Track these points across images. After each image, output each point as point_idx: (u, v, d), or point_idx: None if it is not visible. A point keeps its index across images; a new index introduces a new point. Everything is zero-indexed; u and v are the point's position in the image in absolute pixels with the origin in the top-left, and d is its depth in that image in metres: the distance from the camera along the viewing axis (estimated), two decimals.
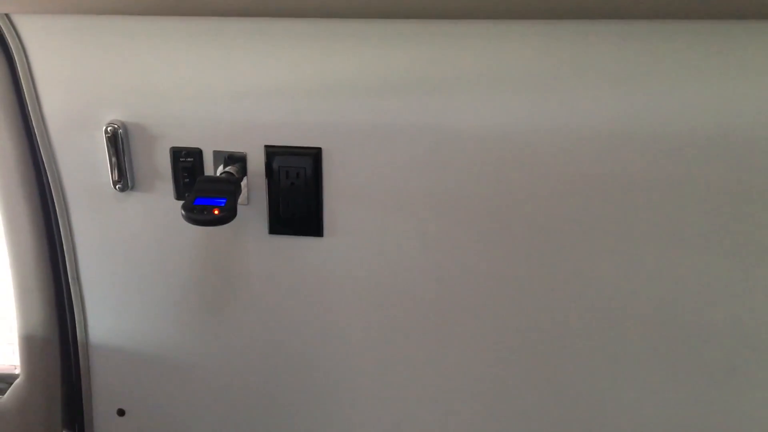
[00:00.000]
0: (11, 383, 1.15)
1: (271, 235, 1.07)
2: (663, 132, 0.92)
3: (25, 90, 1.00)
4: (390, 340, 1.13)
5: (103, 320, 1.19)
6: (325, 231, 1.06)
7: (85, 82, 0.99)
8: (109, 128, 1.01)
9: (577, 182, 0.97)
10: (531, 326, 1.08)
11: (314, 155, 1.00)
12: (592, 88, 0.90)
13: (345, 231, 1.05)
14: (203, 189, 0.96)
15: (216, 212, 0.91)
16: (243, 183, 1.03)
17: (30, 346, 1.16)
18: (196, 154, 1.02)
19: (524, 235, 1.01)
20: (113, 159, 1.03)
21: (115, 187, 1.05)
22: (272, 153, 1.01)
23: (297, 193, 1.03)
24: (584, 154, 0.94)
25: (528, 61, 0.90)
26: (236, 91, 0.97)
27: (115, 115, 1.01)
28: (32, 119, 1.02)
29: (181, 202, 0.97)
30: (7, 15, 0.94)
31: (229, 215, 0.92)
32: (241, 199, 1.04)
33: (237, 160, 1.02)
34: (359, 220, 1.04)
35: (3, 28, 0.95)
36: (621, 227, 0.99)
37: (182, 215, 0.92)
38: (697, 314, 1.03)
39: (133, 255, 1.12)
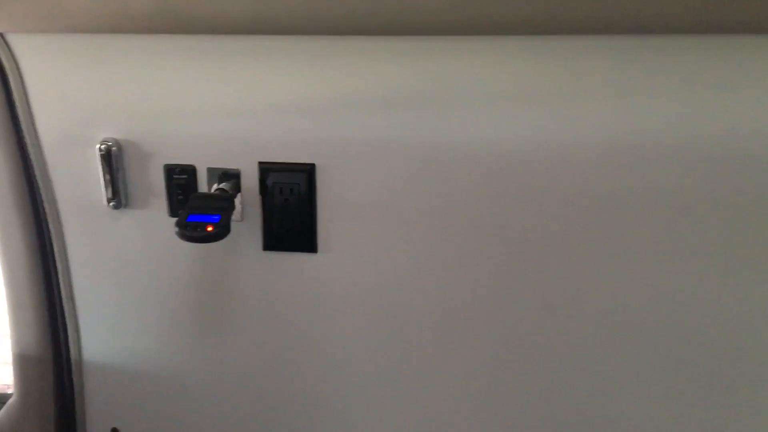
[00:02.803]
0: (5, 402, 1.15)
1: (266, 252, 1.07)
2: (657, 145, 0.92)
3: (19, 108, 1.01)
4: (385, 355, 1.12)
5: (97, 338, 1.18)
6: (320, 247, 1.06)
7: (79, 100, 0.99)
8: (102, 146, 1.01)
9: (572, 196, 0.97)
10: (528, 341, 1.07)
11: (308, 171, 1.00)
12: (586, 103, 0.90)
13: (339, 247, 1.05)
14: (197, 206, 0.96)
15: (209, 229, 0.91)
16: (237, 199, 1.03)
17: (23, 365, 1.15)
18: (190, 171, 1.03)
19: (519, 249, 1.01)
20: (107, 176, 1.03)
21: (108, 205, 1.05)
22: (266, 169, 1.01)
23: (291, 209, 1.03)
24: (579, 168, 0.94)
25: (521, 77, 0.90)
26: (230, 107, 0.97)
27: (109, 132, 1.01)
28: (26, 137, 1.02)
29: (175, 219, 0.97)
30: (1, 35, 0.95)
31: (222, 232, 0.92)
32: (236, 215, 1.04)
33: (231, 176, 1.02)
34: (354, 236, 1.04)
35: None
36: (617, 240, 0.99)
37: (176, 232, 0.92)
38: (696, 325, 1.02)
39: (127, 272, 1.11)
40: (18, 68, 0.98)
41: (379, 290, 1.07)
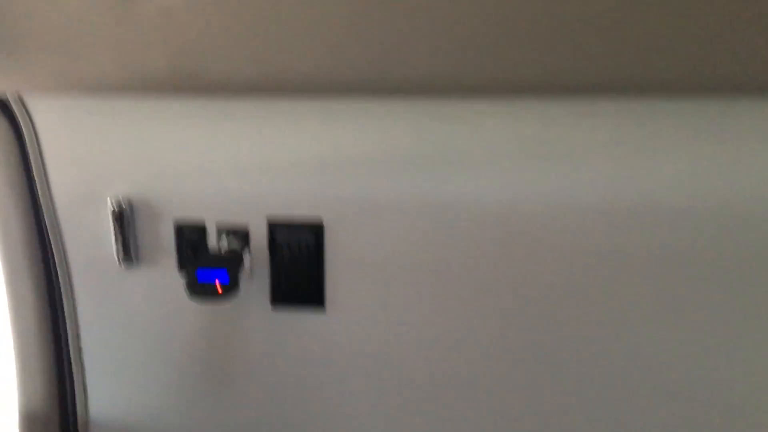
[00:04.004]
0: None
1: (274, 308, 1.07)
2: (660, 205, 0.93)
3: (33, 166, 1.03)
4: (392, 413, 1.11)
5: (105, 396, 1.18)
6: (328, 304, 1.06)
7: (93, 159, 1.01)
8: (114, 203, 1.02)
9: (576, 255, 0.97)
10: (537, 400, 1.06)
11: (316, 228, 1.01)
12: (590, 164, 0.92)
13: (347, 304, 1.05)
14: (207, 264, 0.97)
15: (219, 289, 0.92)
16: (245, 255, 1.04)
17: (31, 424, 1.14)
18: (200, 227, 1.04)
19: (525, 307, 1.01)
20: (118, 234, 1.04)
21: (119, 262, 1.06)
22: (274, 226, 1.02)
23: (299, 266, 1.04)
24: (582, 228, 0.95)
25: (526, 138, 0.91)
26: (239, 166, 0.99)
27: (121, 190, 1.03)
28: (40, 195, 1.04)
29: (184, 277, 0.98)
30: (20, 96, 0.97)
31: (232, 291, 0.94)
32: (244, 271, 1.04)
33: (240, 233, 1.03)
34: (361, 294, 1.04)
35: (15, 109, 0.98)
36: (621, 299, 0.99)
37: (186, 291, 0.93)
38: (697, 383, 1.02)
39: (136, 330, 1.12)
40: (34, 128, 1.00)
41: (386, 347, 1.07)
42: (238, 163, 0.99)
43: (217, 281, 0.94)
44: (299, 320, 1.08)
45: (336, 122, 0.94)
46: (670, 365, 1.01)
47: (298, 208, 1.00)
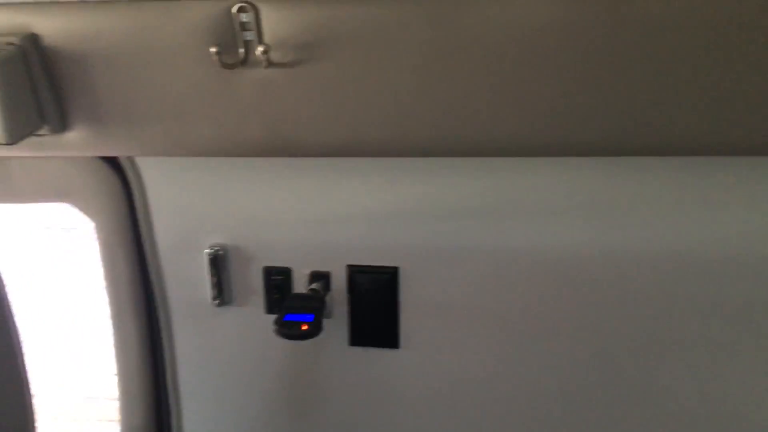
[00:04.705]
0: None
1: (352, 347, 1.15)
2: (710, 256, 0.98)
3: (141, 217, 1.13)
4: None
5: (199, 428, 1.26)
6: (401, 343, 1.12)
7: (193, 212, 1.11)
8: (211, 251, 1.12)
9: (647, 301, 1.02)
10: None
11: (392, 274, 1.09)
12: (642, 216, 0.97)
13: (419, 344, 1.12)
14: (293, 306, 1.05)
15: (304, 328, 1.00)
16: (326, 298, 1.12)
17: None
18: (286, 272, 1.12)
19: (596, 352, 1.06)
20: (213, 278, 1.13)
21: (213, 303, 1.15)
22: (354, 272, 1.10)
23: (375, 308, 1.11)
24: (645, 275, 1.00)
25: (581, 191, 0.98)
26: (322, 217, 1.07)
27: (217, 239, 1.12)
28: (146, 244, 1.15)
29: (271, 317, 1.06)
30: (130, 157, 1.09)
31: (316, 330, 1.01)
32: (325, 312, 1.12)
33: (322, 277, 1.12)
34: (433, 334, 1.10)
35: (126, 168, 1.09)
36: (693, 344, 1.03)
37: (273, 330, 1.01)
38: None
39: (227, 365, 1.20)
40: (142, 185, 1.11)
41: (457, 386, 1.12)
42: (321, 214, 1.07)
43: (302, 321, 1.01)
44: (375, 357, 1.14)
45: (411, 178, 1.02)
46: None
47: (375, 253, 1.08)
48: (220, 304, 1.16)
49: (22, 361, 1.04)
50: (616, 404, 1.08)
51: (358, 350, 1.15)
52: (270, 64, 0.81)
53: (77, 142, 0.94)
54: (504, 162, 0.98)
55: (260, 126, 0.89)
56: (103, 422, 1.37)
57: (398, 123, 0.85)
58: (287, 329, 1.00)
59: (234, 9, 0.79)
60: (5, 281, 1.01)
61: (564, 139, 0.82)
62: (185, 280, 1.17)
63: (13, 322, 1.03)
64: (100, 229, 1.15)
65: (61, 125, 0.91)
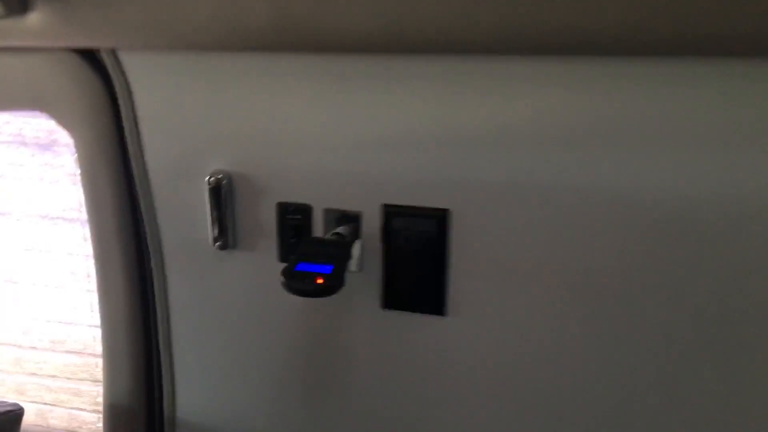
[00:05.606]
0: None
1: (384, 310, 0.95)
2: None
3: (128, 131, 0.95)
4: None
5: (194, 393, 1.10)
6: (449, 309, 0.92)
7: (191, 126, 0.93)
8: (212, 178, 0.93)
9: (737, 250, 0.80)
10: (673, 415, 0.89)
11: (440, 218, 0.88)
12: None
13: (473, 310, 0.91)
14: (308, 252, 0.86)
15: (319, 281, 0.80)
16: (355, 247, 0.92)
17: (114, 417, 1.09)
18: (305, 210, 0.93)
19: (688, 318, 0.84)
20: (214, 212, 0.95)
21: (214, 244, 0.97)
22: (391, 213, 0.90)
23: (418, 262, 0.91)
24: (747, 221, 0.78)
25: (713, 108, 0.74)
26: (354, 141, 0.87)
27: (220, 164, 0.94)
28: (133, 164, 0.97)
29: (284, 265, 0.87)
30: (113, 51, 0.90)
31: (334, 285, 0.81)
32: (352, 265, 0.93)
33: (350, 219, 0.92)
34: (491, 298, 0.90)
35: (108, 66, 0.91)
36: None
37: (281, 283, 0.82)
38: None
39: (230, 321, 1.03)
40: (129, 88, 0.92)
41: (519, 362, 0.92)
42: (352, 135, 0.87)
43: (317, 273, 0.82)
44: (414, 325, 0.95)
45: (470, 88, 0.80)
46: None
47: (419, 190, 0.88)
48: (222, 247, 0.97)
49: None
50: (709, 374, 0.87)
51: (393, 315, 0.95)
52: None
53: (43, 28, 0.84)
54: (585, 66, 0.76)
55: (265, 7, 0.75)
56: (86, 382, 1.25)
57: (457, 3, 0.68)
58: (298, 282, 0.81)
59: None
60: None
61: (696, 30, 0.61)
62: (181, 215, 0.99)
63: None
64: (80, 145, 0.98)
65: (21, 3, 0.82)
